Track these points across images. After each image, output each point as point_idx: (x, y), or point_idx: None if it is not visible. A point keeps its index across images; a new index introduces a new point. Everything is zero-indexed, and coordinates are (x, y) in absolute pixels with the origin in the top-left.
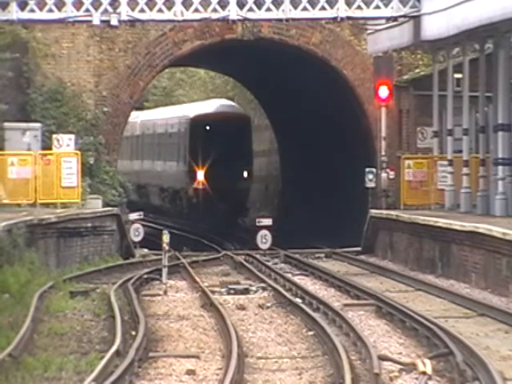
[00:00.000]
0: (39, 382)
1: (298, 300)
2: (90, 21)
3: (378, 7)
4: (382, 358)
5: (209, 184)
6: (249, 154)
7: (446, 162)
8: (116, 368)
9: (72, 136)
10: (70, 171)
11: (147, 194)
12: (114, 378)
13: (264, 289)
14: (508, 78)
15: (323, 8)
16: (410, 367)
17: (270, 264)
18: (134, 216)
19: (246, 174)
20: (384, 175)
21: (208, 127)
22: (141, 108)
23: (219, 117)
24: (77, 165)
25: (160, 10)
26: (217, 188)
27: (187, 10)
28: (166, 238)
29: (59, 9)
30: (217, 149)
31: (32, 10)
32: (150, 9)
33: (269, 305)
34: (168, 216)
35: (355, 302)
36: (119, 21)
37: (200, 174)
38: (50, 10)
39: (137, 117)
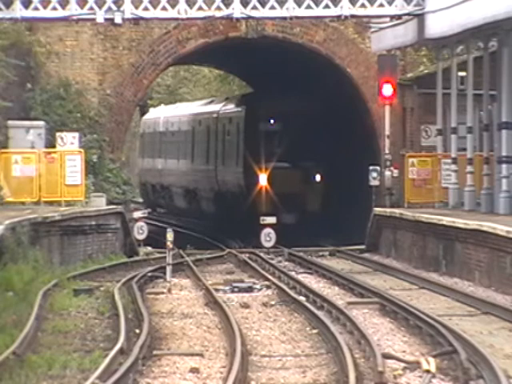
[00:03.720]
0: (43, 380)
1: (302, 298)
2: (94, 19)
3: (381, 5)
4: (386, 356)
5: (273, 190)
6: (321, 152)
7: (449, 160)
8: (120, 366)
9: (76, 134)
10: (73, 169)
11: (198, 200)
12: (117, 376)
13: (268, 287)
14: None
15: (327, 6)
16: (413, 365)
17: (273, 262)
18: (138, 214)
19: (318, 177)
20: (388, 173)
21: (272, 121)
22: (144, 106)
23: (285, 108)
24: (81, 163)
25: (164, 8)
26: (283, 195)
27: (191, 8)
28: (170, 236)
29: (63, 7)
30: (282, 147)
31: (36, 8)
32: (154, 7)
33: (273, 303)
34: (225, 225)
35: (359, 300)
36: (123, 19)
37: (262, 178)
38: (54, 8)
39: (183, 109)
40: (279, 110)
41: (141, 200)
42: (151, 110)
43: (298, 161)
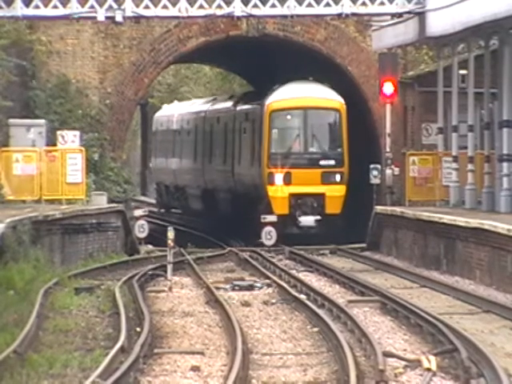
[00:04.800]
0: (44, 378)
1: (303, 296)
2: (95, 17)
3: (382, 3)
4: (387, 355)
5: (290, 190)
6: (342, 151)
7: (450, 159)
8: (121, 364)
9: (77, 132)
10: (74, 167)
11: (215, 201)
12: (118, 375)
13: (269, 285)
14: None
15: (328, 4)
16: (414, 364)
17: (274, 260)
18: (138, 212)
19: (338, 177)
20: (389, 172)
21: (289, 117)
22: (145, 104)
23: (303, 104)
24: (82, 161)
25: (165, 7)
26: (301, 196)
27: (192, 6)
28: (170, 234)
29: (64, 5)
30: (300, 145)
31: (37, 7)
32: (155, 5)
33: (273, 301)
34: (242, 228)
35: (360, 298)
36: (124, 17)
37: (278, 178)
38: (55, 7)
39: (200, 106)
40: (297, 105)
41: (145, 200)
42: (164, 106)
43: (317, 159)
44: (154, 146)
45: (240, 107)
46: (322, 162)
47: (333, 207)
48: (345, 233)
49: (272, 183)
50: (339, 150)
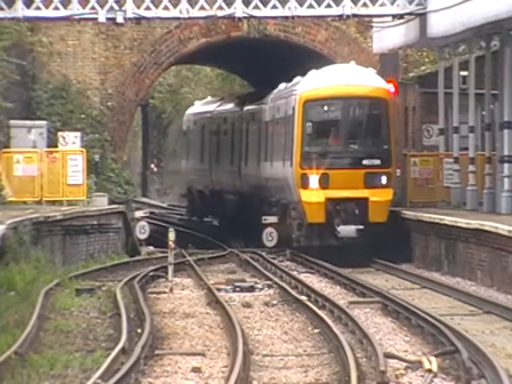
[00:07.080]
0: (45, 379)
1: (304, 297)
2: (96, 18)
3: (383, 4)
4: (388, 356)
5: (327, 194)
6: (388, 149)
7: (451, 160)
8: (122, 365)
9: (78, 134)
10: (75, 169)
11: (251, 208)
12: (119, 376)
13: (270, 286)
14: None
15: (329, 5)
16: (415, 365)
17: (275, 262)
18: (139, 214)
19: (384, 179)
20: None
21: (326, 108)
22: (146, 105)
23: (343, 92)
24: (82, 162)
25: (166, 8)
26: (338, 202)
27: (193, 7)
28: (171, 235)
29: (65, 6)
30: (339, 141)
31: (38, 8)
32: (156, 6)
33: (274, 302)
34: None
35: (361, 299)
36: (125, 18)
37: (313, 180)
38: (56, 8)
39: (236, 103)
40: (336, 94)
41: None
42: (196, 103)
43: (360, 158)
44: (185, 147)
45: (272, 102)
46: (366, 162)
47: (377, 215)
48: (389, 244)
49: (306, 186)
50: (385, 146)
